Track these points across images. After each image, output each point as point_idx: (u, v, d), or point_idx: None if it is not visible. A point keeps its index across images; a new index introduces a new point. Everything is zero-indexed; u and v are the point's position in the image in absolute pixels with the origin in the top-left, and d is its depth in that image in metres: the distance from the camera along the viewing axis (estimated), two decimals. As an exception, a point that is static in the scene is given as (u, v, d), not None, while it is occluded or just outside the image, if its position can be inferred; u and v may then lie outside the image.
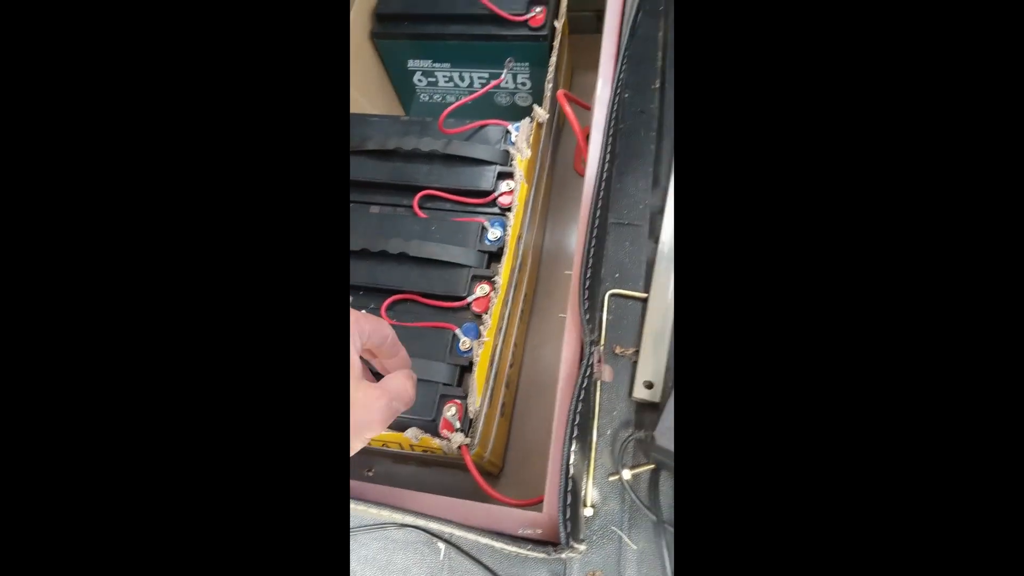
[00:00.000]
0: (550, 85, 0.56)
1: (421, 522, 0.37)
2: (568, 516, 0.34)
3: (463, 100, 0.56)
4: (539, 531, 0.36)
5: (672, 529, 0.36)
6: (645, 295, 0.44)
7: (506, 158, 0.53)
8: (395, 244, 0.49)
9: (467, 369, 0.46)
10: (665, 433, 0.35)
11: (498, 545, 0.35)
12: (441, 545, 0.39)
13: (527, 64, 0.65)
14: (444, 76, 0.70)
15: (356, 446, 0.31)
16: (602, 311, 0.44)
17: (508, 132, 0.54)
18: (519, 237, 0.51)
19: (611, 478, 0.39)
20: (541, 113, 0.54)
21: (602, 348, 0.43)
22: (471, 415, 0.44)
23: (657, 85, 0.52)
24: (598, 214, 0.42)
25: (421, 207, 0.52)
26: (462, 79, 0.70)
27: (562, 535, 0.34)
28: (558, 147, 0.71)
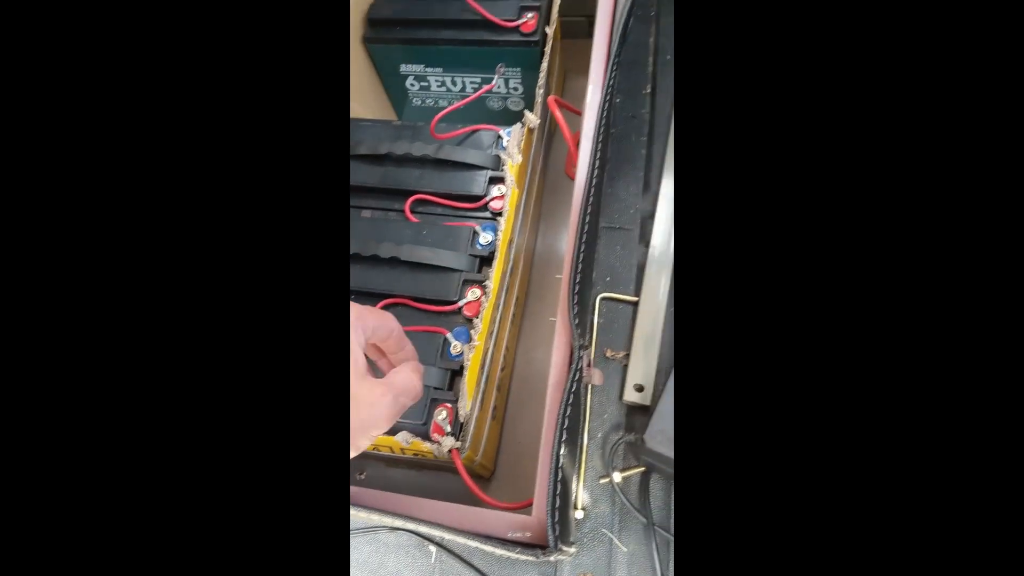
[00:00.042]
0: (541, 90, 0.56)
1: (412, 525, 0.37)
2: (557, 519, 0.34)
3: (455, 105, 0.56)
4: (528, 534, 0.37)
5: (662, 531, 0.37)
6: (636, 299, 0.44)
7: (498, 163, 0.53)
8: (387, 248, 0.49)
9: (458, 373, 0.46)
10: (655, 436, 0.36)
11: (488, 548, 0.36)
12: (432, 548, 0.39)
13: (519, 69, 0.66)
14: (436, 81, 0.70)
15: (363, 444, 0.30)
16: (593, 315, 0.44)
17: (500, 137, 0.54)
18: (510, 241, 0.52)
19: (602, 481, 0.39)
20: (532, 119, 0.54)
21: (592, 352, 0.43)
22: (462, 419, 0.44)
23: (648, 90, 0.53)
24: (587, 219, 0.43)
25: (413, 211, 0.53)
26: (454, 84, 0.70)
27: (550, 538, 0.34)
28: (550, 151, 0.71)
